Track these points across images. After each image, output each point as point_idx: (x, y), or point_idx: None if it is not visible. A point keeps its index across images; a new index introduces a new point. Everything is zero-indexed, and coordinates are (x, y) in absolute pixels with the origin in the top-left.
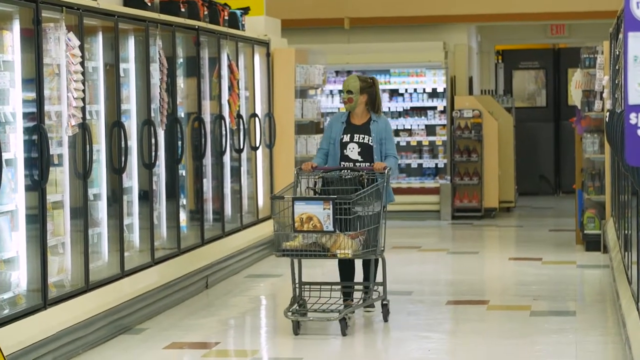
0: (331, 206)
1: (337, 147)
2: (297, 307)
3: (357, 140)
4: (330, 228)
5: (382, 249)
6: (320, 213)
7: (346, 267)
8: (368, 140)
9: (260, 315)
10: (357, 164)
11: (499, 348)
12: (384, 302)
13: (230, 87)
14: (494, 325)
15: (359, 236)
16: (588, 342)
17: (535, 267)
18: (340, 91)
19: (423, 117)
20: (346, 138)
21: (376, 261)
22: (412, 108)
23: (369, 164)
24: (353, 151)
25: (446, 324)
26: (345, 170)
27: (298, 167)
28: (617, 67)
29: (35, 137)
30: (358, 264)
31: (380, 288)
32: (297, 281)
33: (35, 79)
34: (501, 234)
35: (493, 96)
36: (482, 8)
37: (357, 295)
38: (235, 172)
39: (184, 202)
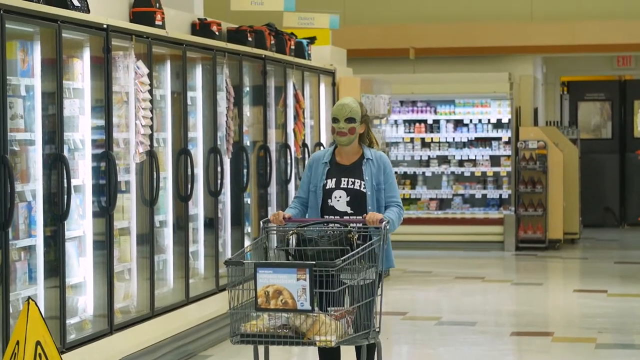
0: (308, 275)
1: (319, 196)
2: None
3: (345, 186)
4: (307, 306)
5: (378, 330)
6: (293, 285)
7: (330, 357)
8: (360, 186)
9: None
10: (346, 219)
11: None
12: None
13: (296, 116)
14: (558, 357)
15: (345, 315)
16: None
17: (601, 300)
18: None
19: (487, 148)
20: (330, 184)
21: (370, 347)
22: (477, 138)
23: (361, 217)
24: (340, 201)
25: (510, 356)
26: (329, 224)
27: (265, 219)
28: None
29: (103, 164)
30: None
31: None
32: None
33: (104, 107)
34: (565, 265)
35: (558, 127)
36: (547, 39)
37: None
38: None
39: (249, 230)
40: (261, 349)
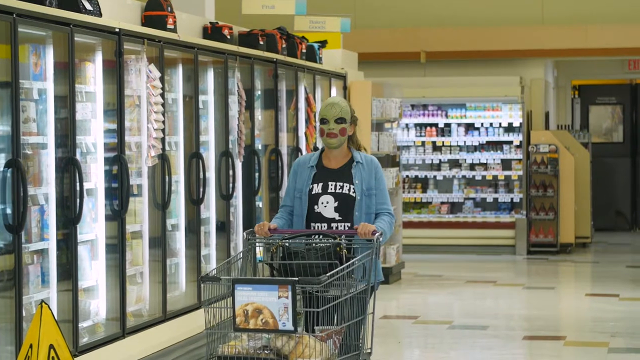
0: (290, 293)
1: (305, 202)
2: None
3: (333, 191)
4: (289, 326)
5: (369, 351)
6: (274, 303)
7: None
8: (349, 190)
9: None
10: (334, 225)
11: None
12: None
13: (307, 120)
14: None
15: (332, 336)
16: None
17: (613, 304)
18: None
19: (499, 152)
20: (317, 188)
21: None
22: (488, 142)
23: (349, 224)
24: (327, 207)
25: (522, 359)
26: (317, 236)
27: (249, 230)
28: None
29: (115, 167)
30: None
31: None
32: None
33: (116, 110)
34: (577, 269)
35: (569, 131)
36: (559, 43)
37: None
38: None
39: None
40: None
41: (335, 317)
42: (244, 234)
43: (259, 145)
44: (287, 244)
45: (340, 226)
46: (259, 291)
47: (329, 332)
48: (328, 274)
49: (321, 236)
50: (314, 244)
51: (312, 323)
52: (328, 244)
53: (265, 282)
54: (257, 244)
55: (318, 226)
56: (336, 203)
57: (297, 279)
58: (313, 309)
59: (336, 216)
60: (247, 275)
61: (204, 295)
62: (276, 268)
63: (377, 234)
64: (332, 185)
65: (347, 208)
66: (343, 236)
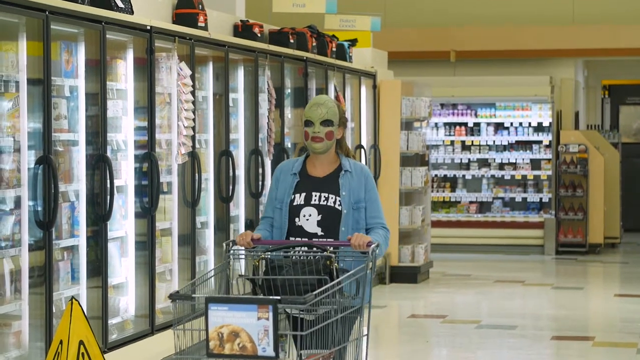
0: (271, 314)
1: (285, 214)
2: None
3: (317, 203)
4: (269, 351)
5: None
6: (253, 325)
7: None
8: (334, 203)
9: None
10: (316, 241)
11: None
12: None
13: None
14: None
15: None
16: None
17: None
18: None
19: (528, 151)
20: (299, 199)
21: None
22: (517, 142)
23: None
24: (310, 220)
25: None
26: (304, 247)
27: (230, 241)
28: None
29: (145, 164)
30: None
31: None
32: None
33: (147, 108)
34: (606, 270)
35: (599, 131)
36: (589, 43)
37: None
38: None
39: None
40: None
41: (322, 340)
42: (224, 244)
43: (288, 144)
44: (269, 257)
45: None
46: (235, 311)
47: (316, 358)
48: (315, 292)
49: (308, 248)
50: (301, 257)
51: (299, 346)
52: (317, 257)
53: (243, 301)
54: (239, 257)
55: (305, 242)
56: (319, 216)
57: (279, 297)
58: (297, 332)
59: (318, 231)
60: (227, 293)
61: (174, 314)
62: (259, 284)
63: (372, 245)
64: (316, 196)
65: (332, 222)
66: (332, 248)
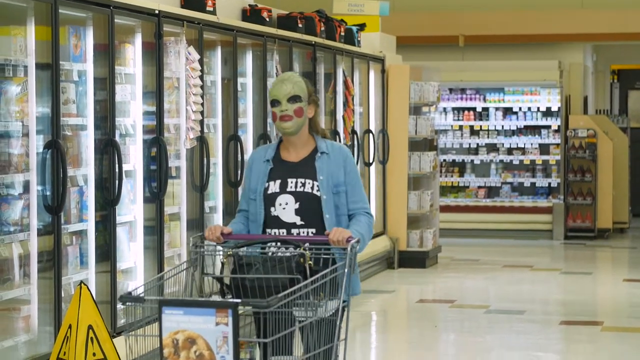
0: (231, 318)
1: (260, 205)
2: None
3: (293, 189)
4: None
5: None
6: (211, 331)
7: None
8: (312, 188)
9: (370, 331)
10: (295, 232)
11: None
12: None
13: (345, 103)
14: (607, 347)
15: None
16: None
17: None
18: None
19: (537, 136)
20: (274, 187)
21: None
22: (526, 127)
23: (314, 230)
24: (287, 209)
25: (559, 345)
26: (277, 243)
27: (199, 235)
28: None
29: (154, 149)
30: None
31: None
32: None
33: (155, 92)
34: (615, 255)
35: (608, 116)
36: (598, 27)
37: None
38: None
39: None
40: None
41: (294, 346)
42: (191, 238)
43: None
44: (240, 253)
45: (303, 232)
46: (191, 316)
47: None
48: (280, 295)
49: (279, 244)
50: (271, 254)
51: (270, 353)
52: (289, 254)
53: (200, 304)
54: (207, 253)
55: (275, 233)
56: (297, 204)
57: (239, 300)
58: (259, 339)
59: (297, 220)
60: (192, 294)
61: (127, 319)
62: (227, 284)
63: (352, 241)
64: (292, 182)
65: (311, 210)
66: (307, 244)
